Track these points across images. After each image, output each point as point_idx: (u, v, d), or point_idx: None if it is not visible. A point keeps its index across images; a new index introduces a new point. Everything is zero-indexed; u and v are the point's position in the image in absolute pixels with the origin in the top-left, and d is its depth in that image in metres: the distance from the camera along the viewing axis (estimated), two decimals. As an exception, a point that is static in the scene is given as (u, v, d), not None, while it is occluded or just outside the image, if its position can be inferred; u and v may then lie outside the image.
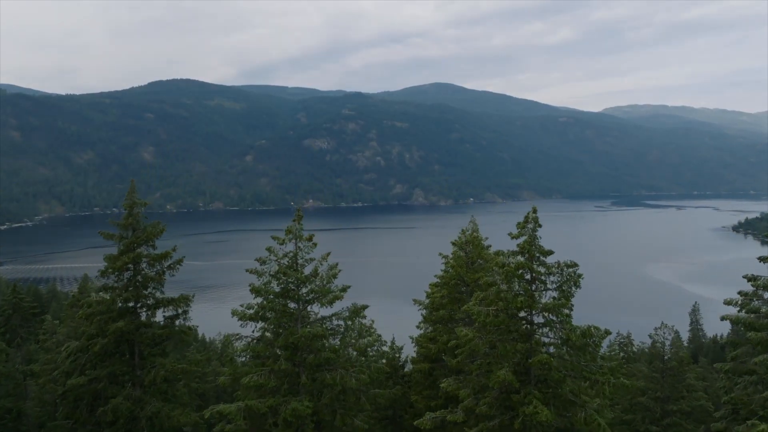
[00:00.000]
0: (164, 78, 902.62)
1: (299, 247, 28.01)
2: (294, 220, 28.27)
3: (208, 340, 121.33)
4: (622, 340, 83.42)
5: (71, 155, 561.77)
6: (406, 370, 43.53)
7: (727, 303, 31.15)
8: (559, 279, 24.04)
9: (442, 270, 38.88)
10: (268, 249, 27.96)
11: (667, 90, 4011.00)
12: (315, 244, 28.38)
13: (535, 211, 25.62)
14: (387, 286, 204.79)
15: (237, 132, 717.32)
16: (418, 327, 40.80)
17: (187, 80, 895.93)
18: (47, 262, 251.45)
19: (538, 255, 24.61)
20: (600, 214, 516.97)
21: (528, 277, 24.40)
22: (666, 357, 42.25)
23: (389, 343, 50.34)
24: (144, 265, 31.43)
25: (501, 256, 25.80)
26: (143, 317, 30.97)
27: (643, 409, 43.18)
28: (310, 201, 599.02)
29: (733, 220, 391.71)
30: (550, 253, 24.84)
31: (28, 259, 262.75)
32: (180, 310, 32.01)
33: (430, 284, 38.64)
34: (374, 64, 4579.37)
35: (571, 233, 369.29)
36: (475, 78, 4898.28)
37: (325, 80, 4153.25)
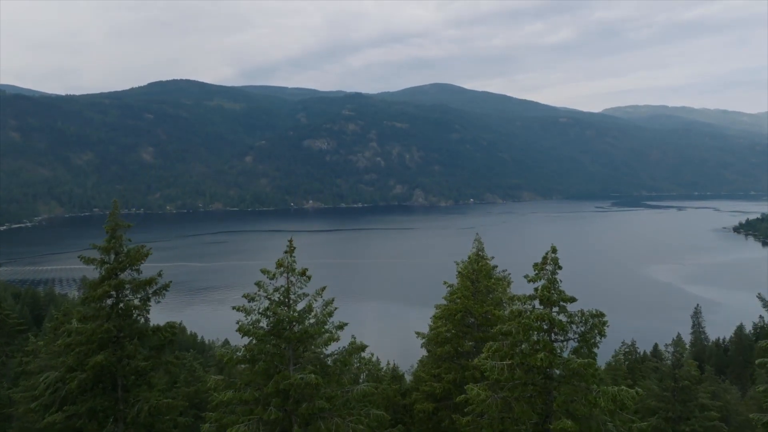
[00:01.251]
0: (164, 78, 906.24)
1: (291, 281, 25.82)
2: (286, 252, 25.81)
3: (207, 342, 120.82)
4: (627, 349, 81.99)
5: (71, 156, 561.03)
6: (407, 399, 40.15)
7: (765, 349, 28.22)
8: (582, 329, 21.98)
9: (445, 297, 36.53)
10: (257, 284, 25.77)
11: (668, 90, 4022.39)
12: (309, 278, 26.15)
13: (554, 251, 22.94)
14: (388, 288, 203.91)
15: (237, 132, 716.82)
16: (420, 360, 38.51)
17: (187, 80, 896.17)
18: (46, 264, 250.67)
19: (558, 301, 22.23)
20: (600, 214, 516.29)
21: (546, 326, 22.20)
22: (677, 375, 41.03)
23: (392, 364, 48.57)
24: (127, 292, 29.29)
25: (517, 301, 23.46)
26: (127, 348, 28.51)
27: (654, 430, 41.79)
28: (310, 202, 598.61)
29: (734, 221, 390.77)
30: (573, 300, 22.51)
31: (28, 261, 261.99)
32: (166, 340, 29.70)
33: (433, 315, 35.45)
34: (374, 64, 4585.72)
35: (571, 234, 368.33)
36: (475, 78, 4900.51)
37: (325, 80, 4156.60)
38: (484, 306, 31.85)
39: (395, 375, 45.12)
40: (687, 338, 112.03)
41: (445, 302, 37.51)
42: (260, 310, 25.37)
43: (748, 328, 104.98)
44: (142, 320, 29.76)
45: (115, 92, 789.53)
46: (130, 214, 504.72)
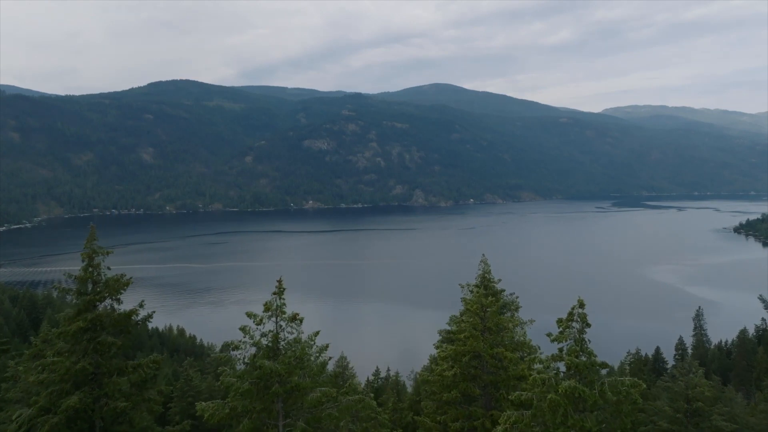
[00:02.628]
0: (164, 79, 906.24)
1: (280, 325, 23.14)
2: (274, 293, 23.13)
3: (207, 345, 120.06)
4: (632, 360, 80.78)
5: (70, 156, 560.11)
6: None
7: None
8: (616, 398, 19.65)
9: (450, 323, 34.40)
10: (242, 329, 23.24)
11: (668, 90, 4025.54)
12: (301, 321, 23.54)
13: (582, 305, 20.38)
14: (389, 289, 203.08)
15: (236, 133, 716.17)
16: (422, 390, 36.34)
17: (187, 81, 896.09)
18: (46, 265, 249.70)
19: (588, 365, 19.63)
20: (601, 215, 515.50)
21: (575, 397, 19.61)
22: (690, 396, 39.35)
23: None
24: (106, 324, 26.77)
25: (538, 364, 20.95)
26: (105, 386, 25.98)
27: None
28: (310, 202, 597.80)
29: (734, 222, 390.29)
30: (605, 366, 20.30)
31: (27, 262, 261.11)
32: (149, 375, 27.09)
33: (438, 353, 32.31)
34: (374, 65, 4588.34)
35: (572, 235, 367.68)
36: (475, 78, 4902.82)
37: (324, 81, 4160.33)
38: (494, 347, 29.49)
39: (396, 407, 42.62)
40: (689, 341, 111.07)
41: (448, 327, 35.63)
42: (245, 360, 22.88)
43: (750, 329, 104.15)
44: (123, 354, 27.17)
45: (115, 92, 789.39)
46: (129, 214, 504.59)
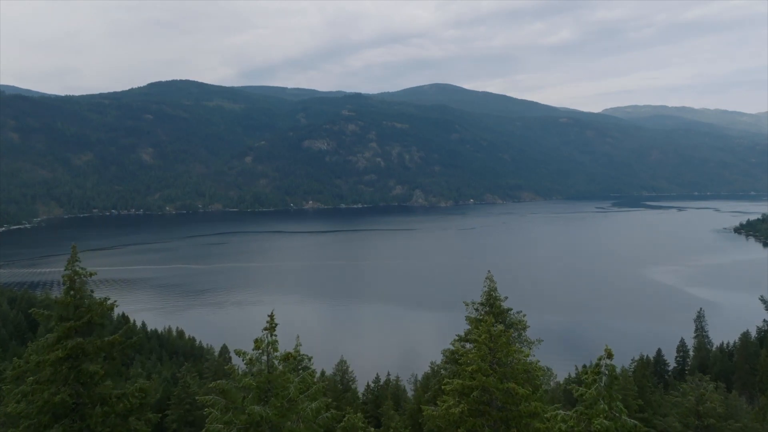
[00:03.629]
0: (163, 79, 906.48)
1: (272, 364, 20.89)
2: (265, 329, 21.01)
3: (206, 346, 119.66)
4: (635, 367, 79.82)
5: (70, 156, 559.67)
6: None
7: None
8: None
9: (454, 347, 33.42)
10: (228, 369, 21.57)
11: (668, 90, 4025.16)
12: (295, 358, 21.64)
13: (610, 355, 18.43)
14: (389, 289, 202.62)
15: (236, 133, 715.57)
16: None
17: (187, 81, 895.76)
18: (45, 266, 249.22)
19: (617, 422, 17.68)
20: (601, 215, 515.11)
21: None
22: (701, 412, 38.14)
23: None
24: (89, 351, 24.92)
25: (560, 424, 19.00)
26: (88, 417, 24.16)
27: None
28: (310, 202, 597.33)
29: (734, 222, 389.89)
30: (639, 429, 18.17)
31: (26, 263, 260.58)
32: (135, 405, 25.29)
33: (444, 386, 30.45)
34: (374, 65, 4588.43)
35: (572, 235, 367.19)
36: (475, 78, 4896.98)
37: (324, 81, 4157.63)
38: (505, 382, 27.80)
39: (398, 429, 41.52)
40: (690, 342, 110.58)
41: (451, 347, 34.53)
42: (235, 405, 20.87)
43: (752, 330, 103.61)
44: (108, 381, 25.06)
45: (115, 93, 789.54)
46: (129, 214, 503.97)
